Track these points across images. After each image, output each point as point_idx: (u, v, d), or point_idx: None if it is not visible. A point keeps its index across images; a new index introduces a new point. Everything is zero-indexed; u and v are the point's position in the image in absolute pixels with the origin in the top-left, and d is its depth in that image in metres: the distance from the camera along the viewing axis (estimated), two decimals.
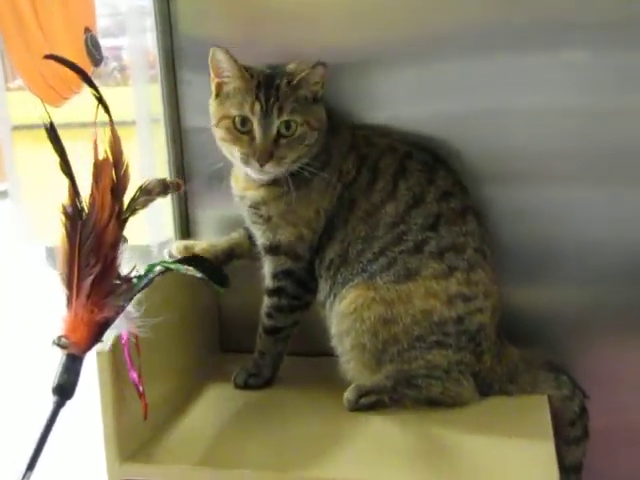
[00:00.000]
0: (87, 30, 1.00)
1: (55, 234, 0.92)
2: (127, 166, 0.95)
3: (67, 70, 0.95)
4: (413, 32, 1.17)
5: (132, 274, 0.96)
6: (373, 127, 1.19)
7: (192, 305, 1.26)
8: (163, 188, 1.02)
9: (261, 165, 1.07)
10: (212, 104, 1.13)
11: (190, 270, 1.06)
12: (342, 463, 1.00)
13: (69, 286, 0.90)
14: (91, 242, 0.90)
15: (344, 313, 1.11)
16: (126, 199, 0.98)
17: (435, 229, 1.10)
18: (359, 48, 1.20)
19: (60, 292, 0.90)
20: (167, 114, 1.28)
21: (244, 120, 1.07)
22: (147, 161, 1.34)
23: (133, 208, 0.97)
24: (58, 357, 0.89)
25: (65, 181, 0.91)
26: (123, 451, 1.01)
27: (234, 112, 1.08)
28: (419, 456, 1.00)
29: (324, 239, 1.14)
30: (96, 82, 1.53)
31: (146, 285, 0.97)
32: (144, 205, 0.98)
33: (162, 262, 1.02)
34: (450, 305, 1.08)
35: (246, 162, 1.08)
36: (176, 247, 1.24)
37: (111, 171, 0.93)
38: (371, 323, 1.08)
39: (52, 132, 0.90)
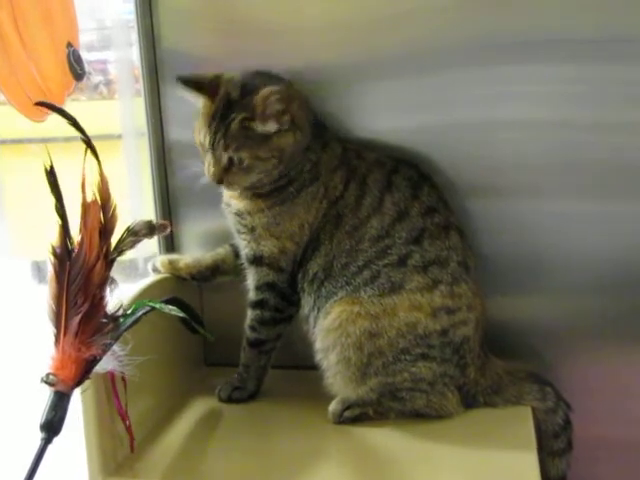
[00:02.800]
0: (69, 45, 1.00)
1: (41, 248, 0.93)
2: (114, 208, 0.98)
3: (49, 85, 0.95)
4: (398, 46, 1.18)
5: (118, 313, 0.98)
6: (361, 141, 1.19)
7: (176, 319, 1.25)
8: (149, 230, 1.05)
9: (215, 184, 1.10)
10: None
11: (174, 310, 1.09)
12: (326, 477, 0.99)
13: (57, 324, 0.92)
14: (79, 282, 0.92)
15: (329, 328, 1.11)
16: (114, 240, 1.00)
17: (419, 243, 1.10)
18: (342, 62, 1.20)
19: (48, 330, 0.92)
20: (151, 128, 1.28)
21: (202, 144, 1.10)
22: (134, 174, 1.34)
23: (120, 249, 0.99)
24: (46, 394, 0.91)
25: (57, 222, 0.94)
26: (106, 466, 1.01)
27: (196, 135, 1.11)
28: (403, 469, 1.00)
29: (308, 253, 1.14)
30: (82, 96, 1.54)
31: (132, 324, 1.00)
32: (131, 246, 1.01)
33: (148, 302, 1.05)
34: (434, 318, 1.08)
35: (208, 178, 1.11)
36: (160, 261, 1.24)
37: (99, 213, 0.96)
38: (356, 337, 1.08)
39: (51, 177, 0.93)
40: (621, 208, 1.18)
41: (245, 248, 1.17)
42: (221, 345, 1.31)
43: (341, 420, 1.11)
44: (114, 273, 0.99)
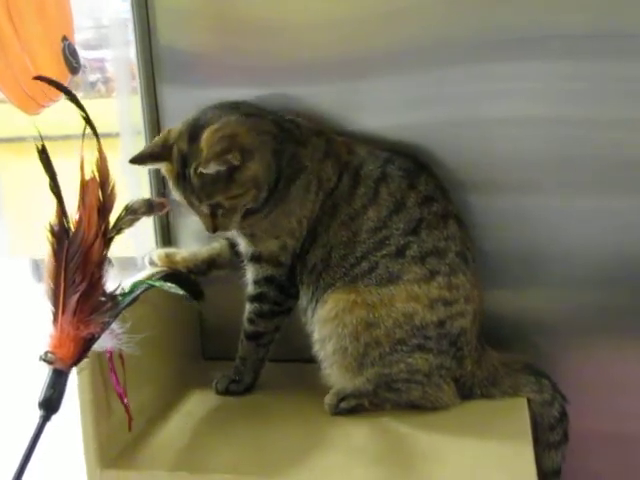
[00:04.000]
0: (65, 38, 1.01)
1: (40, 246, 0.94)
2: (113, 186, 0.98)
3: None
4: (396, 43, 1.18)
5: (117, 292, 0.97)
6: (352, 135, 1.20)
7: (174, 313, 1.26)
8: (148, 208, 1.05)
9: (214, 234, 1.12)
10: None
11: (173, 287, 1.08)
12: (322, 468, 1.00)
13: (55, 303, 0.92)
14: (77, 260, 0.92)
15: (326, 318, 1.11)
16: (112, 218, 1.00)
17: (417, 234, 1.11)
18: (341, 60, 1.21)
19: (46, 308, 0.92)
20: (147, 126, 1.29)
21: (181, 203, 1.11)
22: (131, 172, 1.34)
23: (119, 227, 0.99)
24: (44, 372, 0.91)
25: (53, 201, 0.94)
26: (103, 458, 1.01)
27: (174, 195, 1.12)
28: (397, 459, 1.01)
29: (306, 245, 1.15)
30: (79, 94, 1.54)
31: (130, 303, 1.00)
32: (130, 224, 1.01)
33: (146, 280, 1.04)
34: (432, 309, 1.09)
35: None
36: (157, 255, 1.24)
37: (98, 191, 0.95)
38: (353, 326, 1.08)
39: (44, 155, 0.93)
40: (619, 203, 1.19)
41: (244, 247, 1.18)
42: (219, 338, 1.32)
43: (337, 411, 1.12)
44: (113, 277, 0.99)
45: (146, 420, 1.12)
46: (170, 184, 1.11)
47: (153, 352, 1.17)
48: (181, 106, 1.24)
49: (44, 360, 0.90)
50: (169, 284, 1.07)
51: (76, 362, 0.91)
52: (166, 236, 1.33)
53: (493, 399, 1.14)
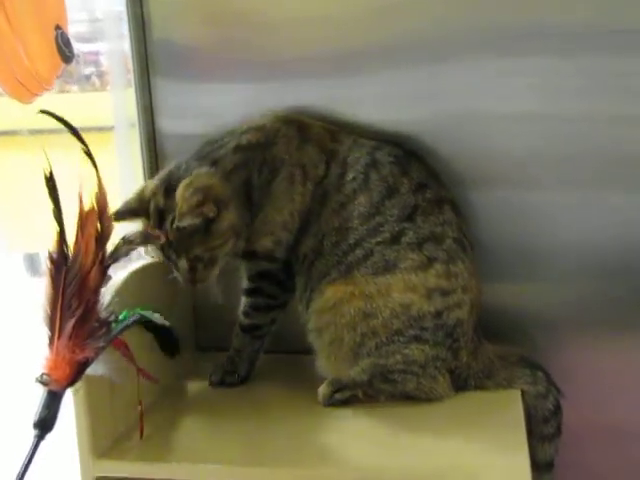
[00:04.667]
0: (58, 27, 1.00)
1: (34, 241, 0.94)
2: (111, 216, 1.00)
3: (37, 66, 0.96)
4: (392, 38, 1.18)
5: (110, 318, 1.00)
6: (338, 123, 1.20)
7: (167, 304, 1.25)
8: (144, 239, 1.07)
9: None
10: None
11: (160, 319, 1.11)
12: (316, 458, 1.00)
13: (52, 327, 0.94)
14: (74, 287, 0.94)
15: (323, 308, 1.11)
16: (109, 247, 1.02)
17: (412, 220, 1.10)
18: (337, 54, 1.21)
19: (43, 332, 0.95)
20: (141, 119, 1.28)
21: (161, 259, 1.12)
22: (126, 166, 1.34)
23: (115, 257, 1.01)
24: (40, 393, 0.94)
25: (55, 228, 0.97)
26: (96, 448, 1.01)
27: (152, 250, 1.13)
28: (391, 450, 1.01)
29: (298, 235, 1.14)
30: (73, 87, 1.53)
31: (122, 330, 1.02)
32: (126, 254, 1.03)
33: (138, 310, 1.07)
34: (429, 299, 1.08)
35: None
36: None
37: (96, 221, 0.98)
38: (350, 317, 1.08)
39: (50, 182, 0.95)
40: (618, 199, 1.19)
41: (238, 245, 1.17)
42: (212, 329, 1.32)
43: (331, 402, 1.11)
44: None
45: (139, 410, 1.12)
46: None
47: (146, 343, 1.17)
48: (175, 100, 1.24)
49: (40, 382, 0.92)
50: (157, 315, 1.10)
51: (70, 384, 0.94)
52: None
53: (487, 391, 1.14)
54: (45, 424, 0.92)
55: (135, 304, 1.08)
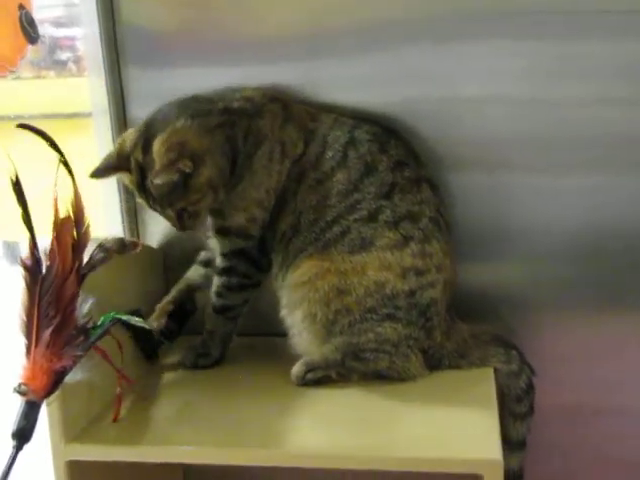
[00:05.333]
0: (21, 7, 0.99)
1: (11, 228, 0.94)
2: (88, 225, 1.00)
3: (2, 49, 0.95)
4: (364, 20, 1.18)
5: (88, 325, 1.00)
6: (317, 105, 1.19)
7: (139, 290, 1.25)
8: (120, 247, 1.08)
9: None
10: None
11: (140, 322, 1.09)
12: (289, 437, 1.00)
13: (28, 336, 0.94)
14: (51, 295, 0.94)
15: (297, 283, 1.11)
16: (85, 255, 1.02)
17: (389, 198, 1.10)
18: (312, 36, 1.20)
19: (19, 340, 0.95)
20: (112, 106, 1.27)
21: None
22: (104, 152, 1.32)
23: (92, 265, 1.01)
24: (17, 403, 0.93)
25: (25, 233, 0.97)
26: (68, 431, 1.00)
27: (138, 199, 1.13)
28: (364, 428, 1.01)
29: (275, 213, 1.14)
30: (49, 73, 1.51)
31: (101, 336, 1.01)
32: (102, 262, 1.03)
33: (115, 314, 1.06)
34: (403, 278, 1.09)
35: None
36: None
37: (72, 229, 0.98)
38: (324, 292, 1.08)
39: (17, 186, 0.95)
40: (592, 181, 1.20)
41: (211, 221, 1.17)
42: None
43: (304, 382, 1.11)
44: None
45: (112, 394, 1.10)
46: (135, 192, 1.13)
47: (119, 326, 1.16)
48: (147, 86, 1.23)
49: (18, 392, 0.92)
50: (136, 319, 1.09)
51: (48, 394, 0.94)
52: (134, 224, 1.32)
53: (461, 370, 1.15)
54: (23, 434, 0.92)
55: (104, 295, 1.07)
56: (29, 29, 1.01)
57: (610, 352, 1.26)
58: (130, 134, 1.12)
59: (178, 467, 1.38)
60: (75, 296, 0.96)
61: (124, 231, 1.31)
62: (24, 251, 0.96)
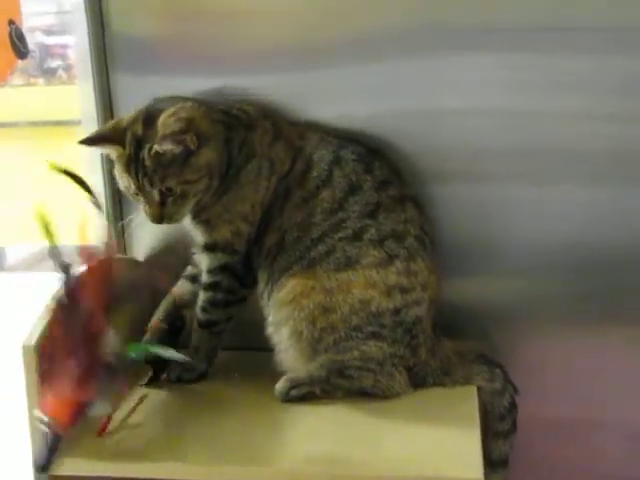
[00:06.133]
0: (11, 22, 0.99)
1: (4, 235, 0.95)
2: (119, 263, 1.03)
3: None
4: (349, 34, 1.19)
5: (111, 359, 1.00)
6: (305, 123, 1.20)
7: (125, 302, 1.24)
8: (150, 280, 1.13)
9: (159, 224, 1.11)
10: None
11: (172, 354, 1.08)
12: (272, 453, 1.01)
13: (54, 367, 0.95)
14: (78, 330, 0.96)
15: (283, 301, 1.11)
16: None
17: (374, 217, 1.11)
18: (294, 49, 1.21)
19: (45, 372, 0.97)
20: (100, 115, 1.27)
21: (128, 189, 1.11)
22: (92, 160, 1.32)
23: (121, 302, 1.04)
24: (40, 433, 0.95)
25: (60, 273, 0.99)
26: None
27: (121, 183, 1.12)
28: (347, 445, 1.01)
29: (261, 229, 1.15)
30: (38, 81, 1.50)
31: (126, 369, 1.03)
32: (131, 300, 1.07)
33: (142, 347, 1.08)
34: (388, 296, 1.09)
35: (148, 220, 1.12)
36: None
37: (103, 266, 1.01)
38: (310, 310, 1.09)
39: (47, 230, 0.98)
40: (573, 194, 1.21)
41: (199, 237, 1.18)
42: None
43: (288, 399, 1.12)
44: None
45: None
46: (119, 170, 1.11)
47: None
48: (135, 94, 1.23)
49: (41, 423, 0.93)
50: (170, 350, 1.08)
51: (71, 425, 0.94)
52: (120, 228, 1.30)
53: (444, 387, 1.15)
54: (45, 465, 0.94)
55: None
56: (19, 44, 1.01)
57: (594, 367, 1.27)
58: (128, 115, 1.12)
59: None
60: (102, 332, 0.97)
61: None
62: (52, 299, 0.98)
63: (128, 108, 1.25)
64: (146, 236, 1.30)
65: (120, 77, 1.26)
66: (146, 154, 1.06)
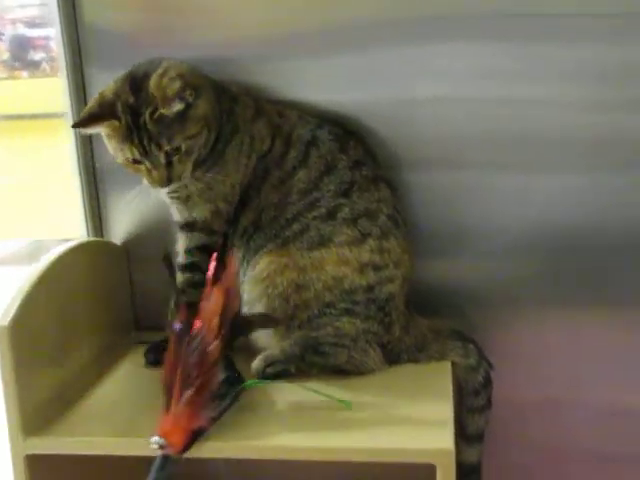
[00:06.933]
0: None
1: None
2: (236, 294, 1.05)
3: None
4: (324, 23, 1.20)
5: (222, 390, 1.02)
6: (280, 102, 1.21)
7: (104, 285, 1.26)
8: (264, 320, 1.12)
9: (164, 187, 1.11)
10: (105, 140, 1.13)
11: (309, 388, 1.08)
12: (245, 429, 1.01)
13: (170, 392, 0.97)
14: (195, 357, 0.98)
15: (257, 279, 1.12)
16: None
17: (348, 196, 1.13)
18: (276, 38, 1.21)
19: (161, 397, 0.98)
20: (74, 108, 1.27)
21: (134, 159, 1.10)
22: (74, 152, 1.32)
23: (233, 334, 1.04)
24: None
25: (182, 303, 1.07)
26: (27, 426, 1.01)
27: (121, 156, 1.10)
28: (321, 420, 1.03)
29: (238, 208, 1.16)
30: (23, 73, 1.51)
31: (234, 401, 1.04)
32: (245, 333, 1.11)
33: (254, 382, 1.09)
34: (361, 273, 1.10)
35: (154, 187, 1.11)
36: None
37: (223, 298, 1.02)
38: (283, 288, 1.10)
39: (167, 261, 1.09)
40: (548, 179, 1.22)
41: (178, 216, 1.19)
42: (152, 309, 1.32)
43: (263, 376, 1.13)
44: None
45: (74, 390, 1.12)
46: (117, 143, 1.09)
47: (84, 323, 1.19)
48: None
49: (157, 445, 0.94)
50: (312, 387, 1.08)
51: (184, 451, 0.95)
52: (97, 222, 1.32)
53: (419, 363, 1.16)
54: None
55: (64, 289, 1.10)
56: None
57: (567, 347, 1.29)
58: (107, 88, 1.11)
59: (141, 459, 1.39)
60: (217, 361, 0.99)
61: (87, 229, 1.32)
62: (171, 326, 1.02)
63: None
64: (124, 219, 1.31)
65: (94, 70, 1.26)
66: (148, 119, 1.06)
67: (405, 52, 1.19)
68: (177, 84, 1.06)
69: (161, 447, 0.94)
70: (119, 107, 1.07)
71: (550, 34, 1.16)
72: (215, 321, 1.00)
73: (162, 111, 1.05)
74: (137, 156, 1.08)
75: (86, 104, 1.25)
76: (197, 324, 1.00)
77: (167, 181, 1.10)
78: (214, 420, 0.99)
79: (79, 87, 1.27)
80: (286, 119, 1.17)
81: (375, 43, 1.19)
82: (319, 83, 1.22)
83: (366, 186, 1.14)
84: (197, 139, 1.09)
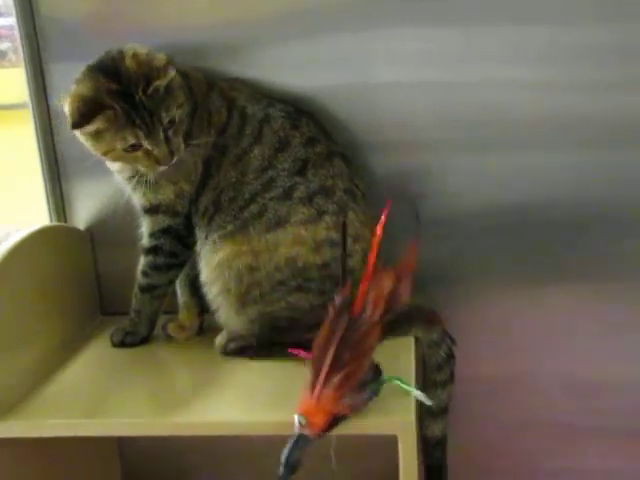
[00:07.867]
0: None
1: None
2: (409, 282, 0.99)
3: None
4: (281, 7, 1.20)
5: (368, 378, 0.99)
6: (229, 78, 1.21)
7: (67, 270, 1.27)
8: (425, 320, 1.14)
9: (168, 164, 1.10)
10: (83, 141, 1.10)
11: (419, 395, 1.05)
12: (213, 407, 1.03)
13: (317, 372, 0.94)
14: (353, 339, 0.94)
15: (216, 264, 1.13)
16: None
17: (303, 174, 1.13)
18: (229, 21, 1.21)
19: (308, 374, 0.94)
20: (34, 101, 1.27)
21: (133, 145, 1.08)
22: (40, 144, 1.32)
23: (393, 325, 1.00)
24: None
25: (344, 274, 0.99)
26: None
27: (120, 145, 1.07)
28: (280, 397, 1.04)
29: (199, 188, 1.16)
30: None
31: (372, 396, 1.00)
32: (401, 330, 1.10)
33: (395, 378, 1.04)
34: (317, 251, 1.11)
35: (153, 170, 1.11)
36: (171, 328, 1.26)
37: (393, 282, 0.98)
38: (237, 270, 1.11)
39: (344, 228, 1.02)
40: (518, 157, 1.24)
41: (141, 200, 1.18)
42: (117, 294, 1.32)
43: (226, 352, 1.14)
44: None
45: (40, 374, 1.13)
46: (111, 137, 1.07)
47: (48, 307, 1.19)
48: (69, 78, 1.22)
49: (298, 423, 0.92)
50: (417, 392, 1.04)
51: (322, 433, 0.93)
52: (61, 210, 1.32)
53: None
54: (291, 465, 0.92)
55: (26, 274, 1.10)
56: None
57: (529, 322, 1.31)
58: (75, 90, 1.07)
59: (111, 439, 1.40)
60: (373, 347, 0.96)
61: (50, 213, 1.31)
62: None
63: (62, 92, 1.25)
64: (87, 205, 1.32)
65: (53, 61, 1.25)
66: (142, 96, 1.04)
67: (361, 36, 1.19)
68: (163, 57, 1.06)
69: (302, 426, 0.92)
70: (105, 97, 1.05)
71: (502, 15, 1.17)
72: (381, 305, 0.96)
73: (157, 83, 1.04)
74: (141, 137, 1.06)
75: (46, 94, 1.26)
76: (359, 304, 0.96)
77: (170, 156, 1.08)
78: (356, 409, 0.96)
79: (38, 77, 1.26)
80: (239, 92, 1.17)
81: (331, 28, 1.19)
82: (273, 67, 1.22)
83: (320, 163, 1.14)
84: (184, 107, 1.10)
